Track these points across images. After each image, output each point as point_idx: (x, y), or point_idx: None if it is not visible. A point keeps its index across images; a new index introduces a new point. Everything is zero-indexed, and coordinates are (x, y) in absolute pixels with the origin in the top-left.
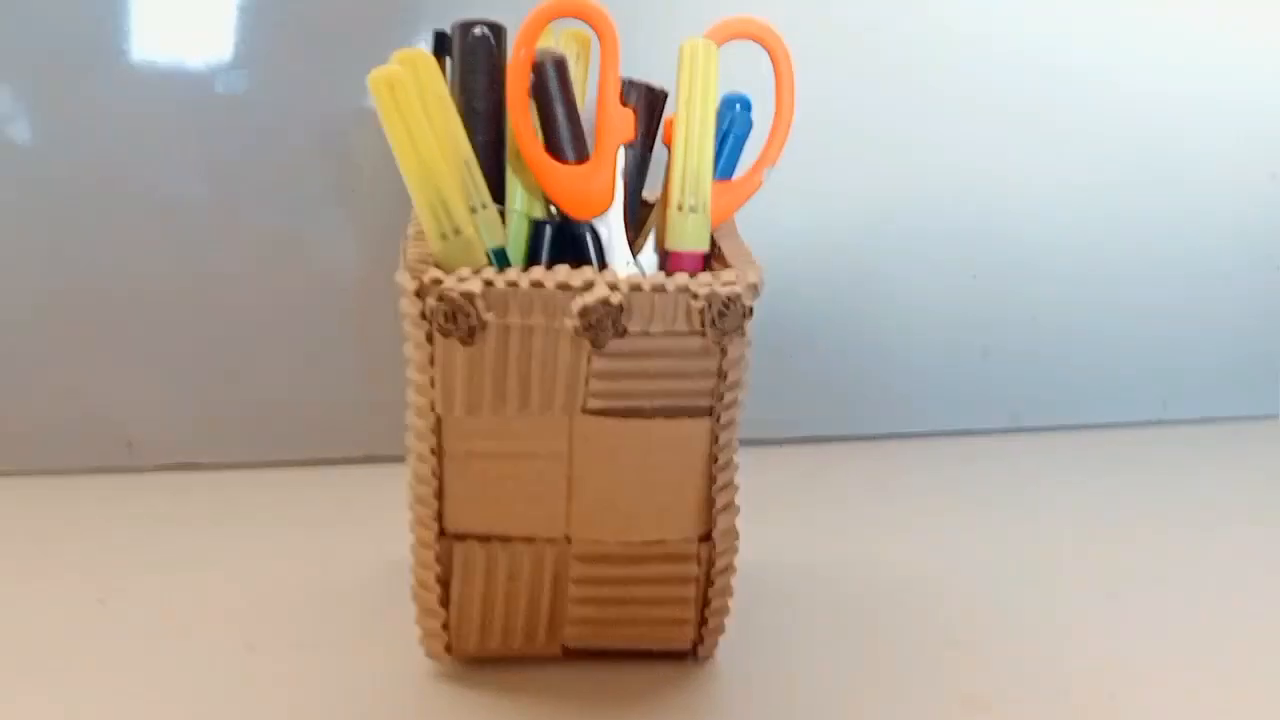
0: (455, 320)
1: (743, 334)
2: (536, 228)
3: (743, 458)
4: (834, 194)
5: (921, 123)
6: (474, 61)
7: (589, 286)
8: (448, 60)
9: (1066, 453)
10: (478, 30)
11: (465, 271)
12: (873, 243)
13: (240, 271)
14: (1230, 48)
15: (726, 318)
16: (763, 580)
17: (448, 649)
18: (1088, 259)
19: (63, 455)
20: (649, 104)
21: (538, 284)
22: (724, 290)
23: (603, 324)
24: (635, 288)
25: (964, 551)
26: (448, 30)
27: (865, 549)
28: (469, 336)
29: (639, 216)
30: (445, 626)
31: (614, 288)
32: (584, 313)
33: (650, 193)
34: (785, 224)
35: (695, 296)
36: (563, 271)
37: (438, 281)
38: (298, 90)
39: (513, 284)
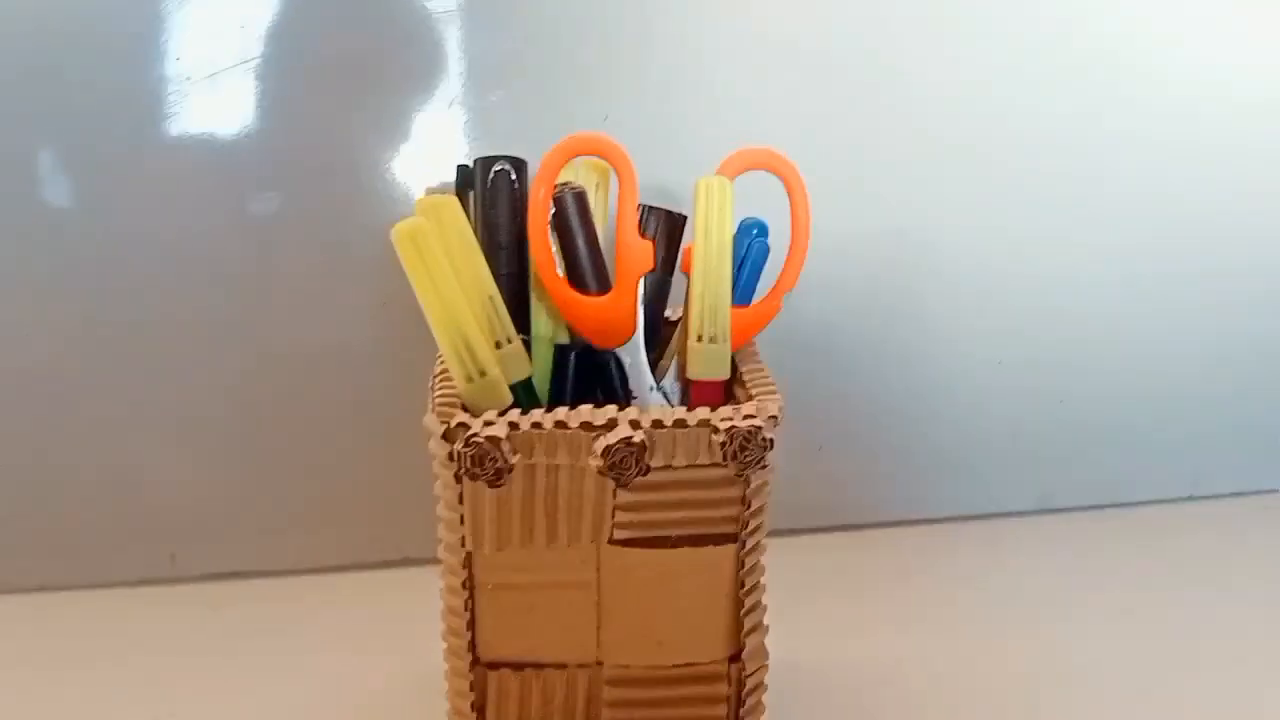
0: (482, 464)
1: (764, 465)
2: (560, 353)
3: (770, 548)
4: (862, 282)
5: (946, 213)
6: (496, 196)
7: (611, 426)
8: (471, 193)
9: (1095, 533)
10: (499, 166)
11: (491, 414)
12: (900, 331)
13: (276, 382)
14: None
15: (748, 451)
16: (792, 681)
17: None
18: (1114, 339)
19: (108, 568)
20: (668, 229)
21: (561, 424)
22: (745, 424)
23: (626, 463)
24: (657, 424)
25: (986, 653)
26: (471, 164)
27: (887, 648)
28: (496, 479)
29: (662, 335)
30: None
31: (636, 426)
32: (607, 453)
33: (673, 311)
34: (810, 313)
35: (717, 430)
36: (586, 411)
37: (464, 426)
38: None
39: (537, 425)
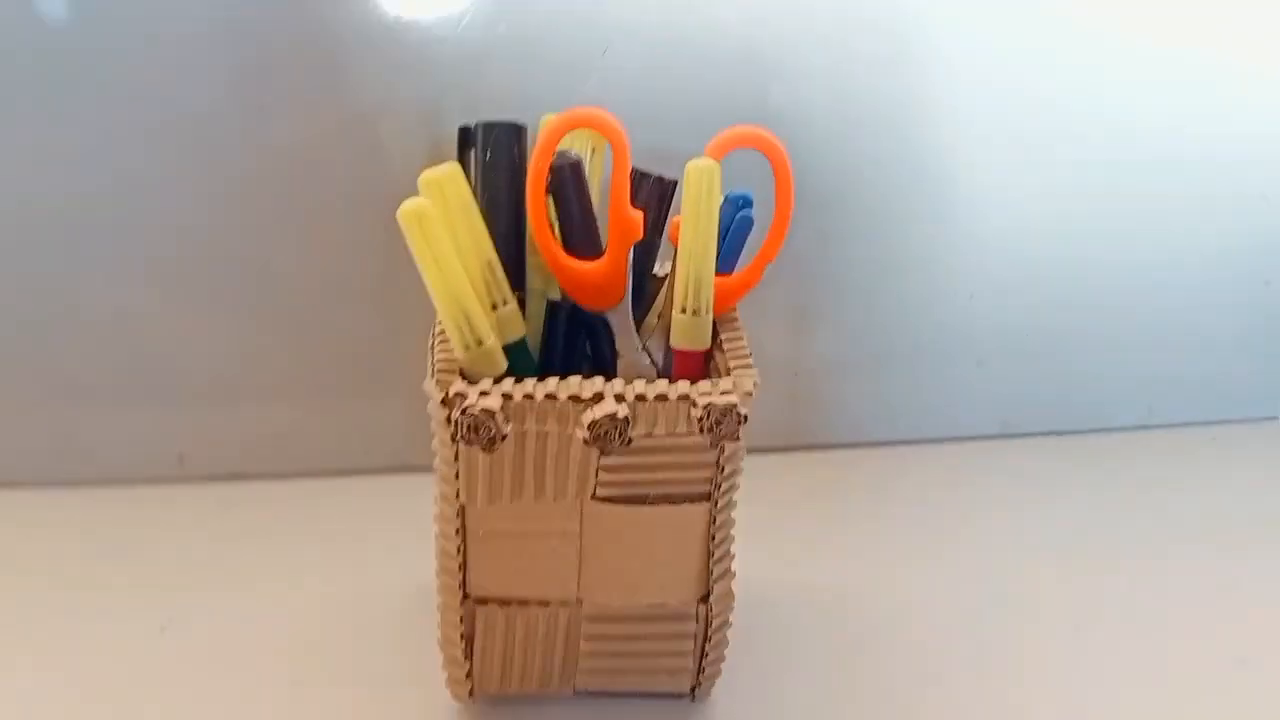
0: (477, 432)
1: (738, 438)
2: (552, 309)
3: (751, 465)
4: (839, 213)
5: (920, 141)
6: (497, 160)
7: (598, 399)
8: (472, 153)
9: (1054, 458)
10: (500, 130)
11: (487, 384)
12: (875, 264)
13: (285, 283)
14: (1218, 64)
15: (723, 425)
16: (757, 603)
17: (470, 693)
18: (1078, 271)
19: (119, 468)
20: (659, 194)
21: (551, 396)
22: (721, 401)
23: (610, 435)
24: (640, 398)
25: (952, 572)
26: (472, 127)
27: (856, 566)
28: (490, 445)
29: (649, 291)
30: (469, 675)
31: (620, 399)
32: (593, 425)
33: (660, 267)
34: (801, 257)
35: (695, 405)
36: (574, 383)
37: (462, 395)
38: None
39: (529, 397)
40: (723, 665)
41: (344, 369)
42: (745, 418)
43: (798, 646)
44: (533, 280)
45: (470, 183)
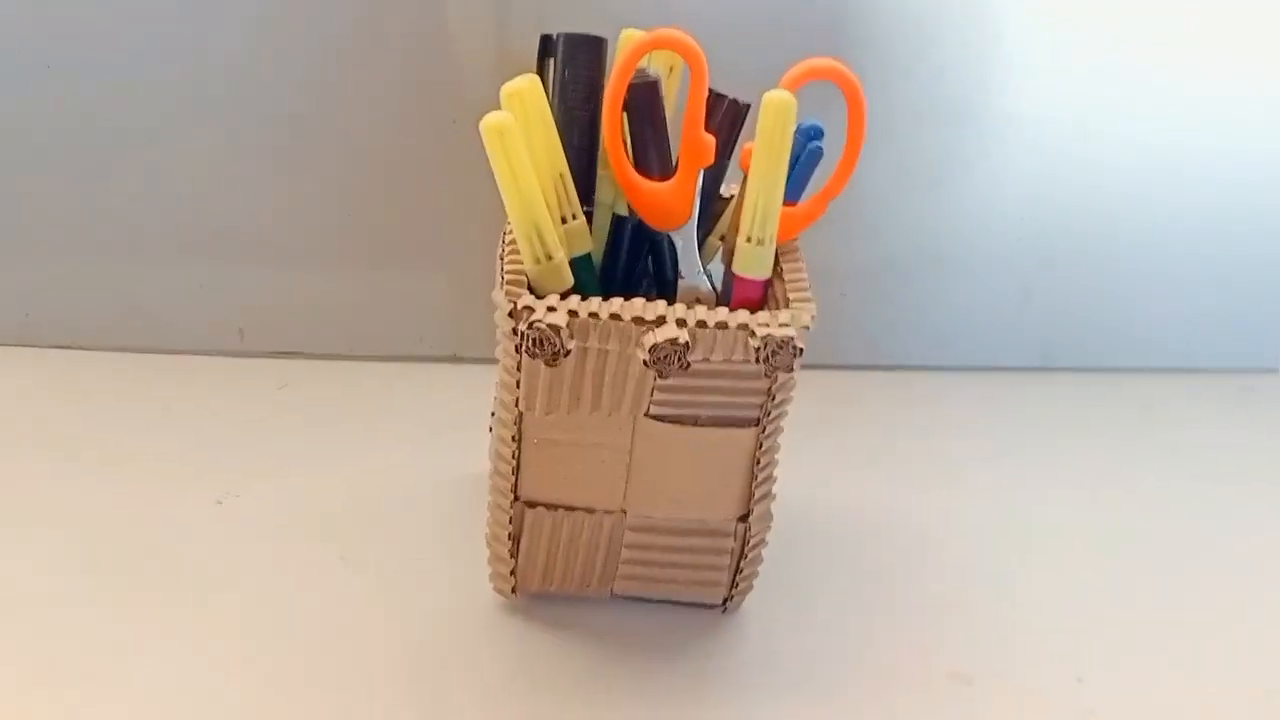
0: (542, 346)
1: (791, 370)
2: (618, 224)
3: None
4: (893, 149)
5: (976, 79)
6: (577, 72)
7: (660, 322)
8: (551, 62)
9: (1091, 392)
10: (581, 43)
11: (553, 299)
12: (928, 198)
13: (346, 173)
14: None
15: (779, 356)
16: (791, 520)
17: (513, 590)
18: (1126, 218)
19: (181, 339)
20: (732, 116)
21: (615, 316)
22: (779, 333)
23: (669, 359)
24: (701, 324)
25: (981, 500)
26: (553, 36)
27: (888, 488)
28: (553, 360)
29: (715, 209)
30: (513, 572)
31: (682, 324)
32: (654, 349)
33: (726, 188)
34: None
35: (753, 334)
36: (638, 304)
37: (530, 309)
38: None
39: (594, 315)
40: (755, 581)
41: (405, 252)
42: (801, 350)
43: (827, 564)
44: (601, 193)
45: (547, 93)
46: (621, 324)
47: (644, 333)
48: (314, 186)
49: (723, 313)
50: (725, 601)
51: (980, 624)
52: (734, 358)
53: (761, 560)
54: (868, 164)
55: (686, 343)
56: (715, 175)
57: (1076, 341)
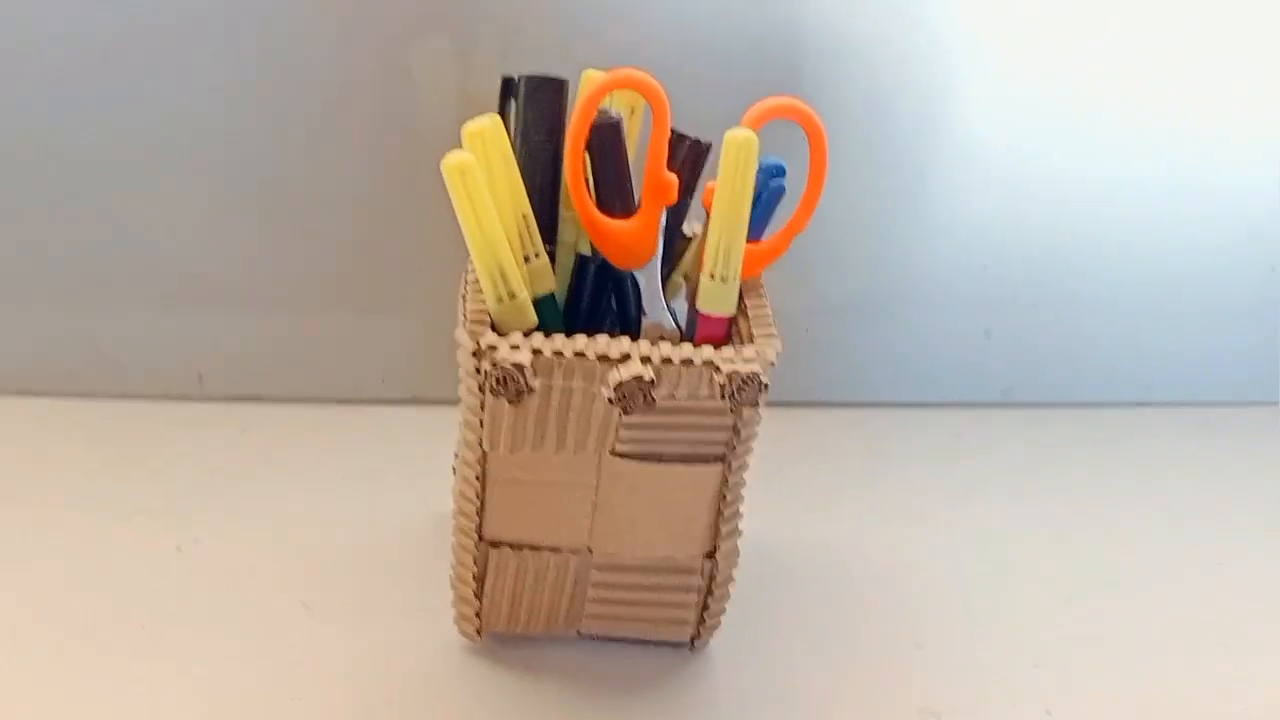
0: (506, 385)
1: (757, 405)
2: (582, 263)
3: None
4: (856, 186)
5: (939, 116)
6: (538, 113)
7: (625, 359)
8: (512, 104)
9: (1054, 429)
10: (543, 85)
11: (517, 338)
12: (892, 236)
13: (307, 216)
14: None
15: (745, 392)
16: (757, 559)
17: (478, 631)
18: (1090, 256)
19: (141, 384)
20: (694, 156)
21: (580, 354)
22: (745, 368)
23: (634, 396)
24: (666, 361)
25: (948, 536)
26: (515, 79)
27: (855, 525)
28: (516, 399)
29: (677, 249)
30: (478, 614)
31: (646, 361)
32: (619, 386)
33: (689, 227)
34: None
35: (718, 370)
36: (602, 342)
37: (493, 348)
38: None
39: (558, 353)
40: (722, 618)
41: (366, 295)
42: (766, 386)
43: (794, 603)
44: (564, 233)
45: (509, 134)
46: (586, 361)
47: (608, 370)
48: (274, 230)
49: (687, 349)
50: (693, 640)
51: (949, 660)
52: (699, 394)
53: (729, 597)
54: (830, 202)
55: (652, 380)
56: (678, 214)
57: (1038, 377)
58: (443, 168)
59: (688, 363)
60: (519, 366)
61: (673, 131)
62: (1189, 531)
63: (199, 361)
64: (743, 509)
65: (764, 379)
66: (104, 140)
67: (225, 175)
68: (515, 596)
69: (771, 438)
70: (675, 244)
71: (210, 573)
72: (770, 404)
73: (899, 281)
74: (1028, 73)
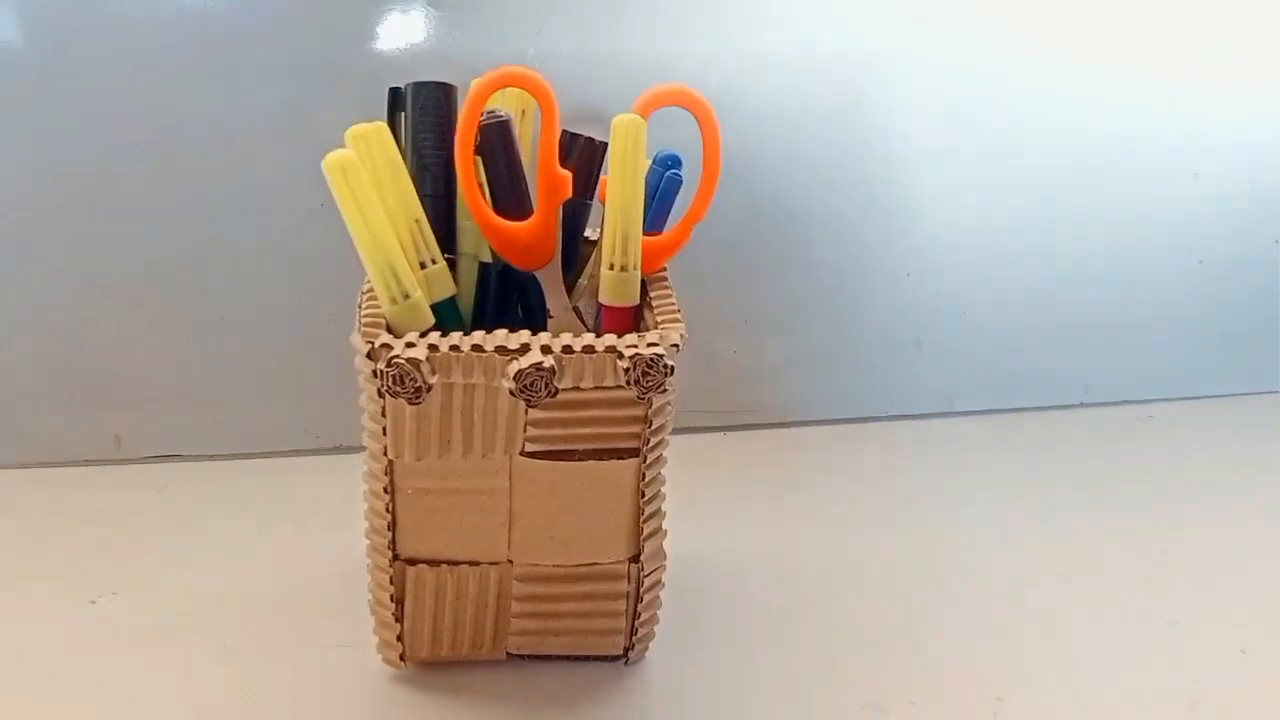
0: (403, 383)
1: (665, 390)
2: (483, 270)
3: (680, 444)
4: (780, 195)
5: (858, 121)
6: (425, 120)
7: (524, 350)
8: (402, 115)
9: (993, 435)
10: (429, 90)
11: (413, 336)
12: (816, 242)
13: (224, 271)
14: (1138, 59)
15: (650, 376)
16: (693, 573)
17: (401, 657)
18: (1015, 255)
19: (55, 448)
20: (589, 156)
21: (478, 348)
22: (648, 352)
23: (536, 385)
24: (567, 350)
25: (890, 545)
26: (402, 88)
27: (794, 539)
28: (415, 397)
29: (580, 254)
30: (400, 638)
31: (547, 351)
32: (519, 376)
33: (592, 231)
34: (730, 221)
35: (621, 356)
36: (500, 335)
37: (387, 347)
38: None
39: (455, 348)
40: (656, 629)
41: (284, 345)
42: (672, 369)
43: (732, 612)
44: (464, 243)
45: (400, 145)
46: (484, 355)
47: (508, 362)
48: (187, 286)
49: (589, 337)
50: (627, 652)
51: (894, 656)
52: (605, 383)
53: (660, 604)
54: (750, 221)
55: (552, 367)
56: (579, 217)
57: (974, 384)
58: (324, 165)
59: (589, 350)
60: (414, 362)
61: (566, 132)
62: (1129, 521)
63: (115, 422)
64: (664, 507)
65: (669, 362)
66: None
67: (133, 234)
68: (437, 618)
69: (707, 459)
70: (579, 249)
71: (126, 622)
72: (703, 428)
73: (824, 296)
74: (953, 84)
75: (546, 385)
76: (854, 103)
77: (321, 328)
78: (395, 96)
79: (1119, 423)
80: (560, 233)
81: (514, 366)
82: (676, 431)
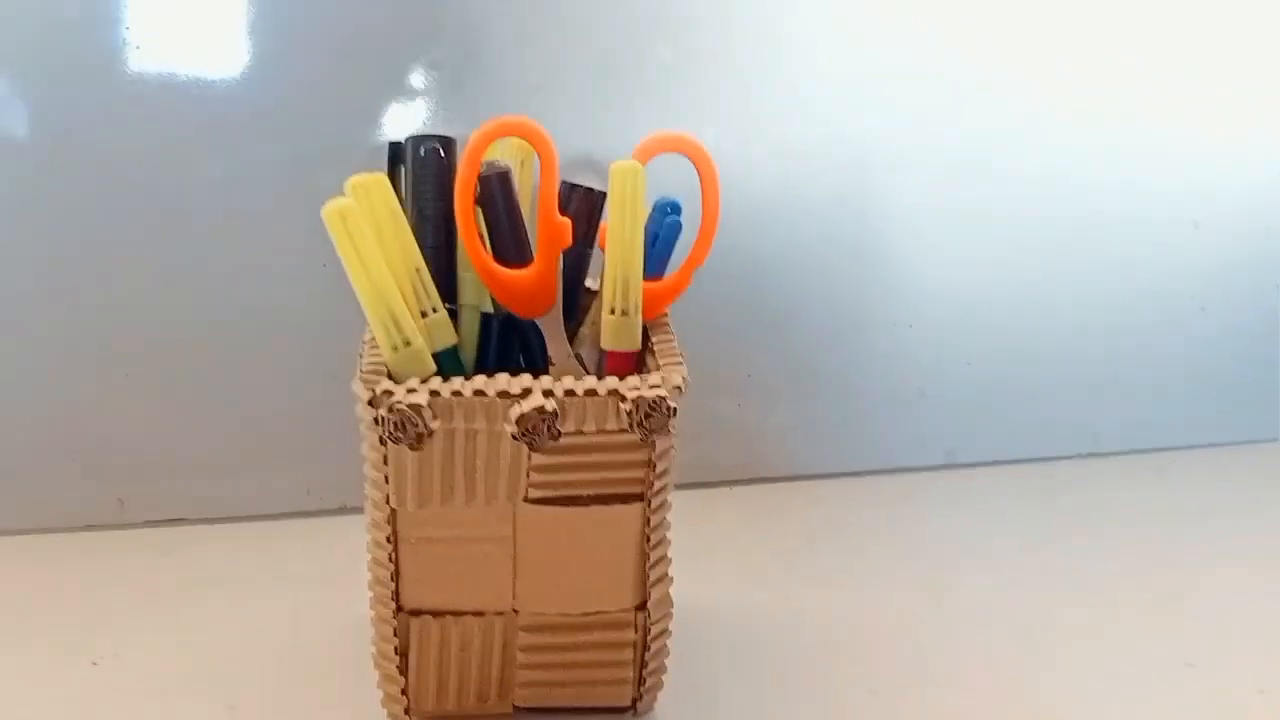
0: (404, 429)
1: (668, 432)
2: (485, 320)
3: (687, 500)
4: (776, 250)
5: (857, 176)
6: (425, 173)
7: (526, 394)
8: (402, 169)
9: (999, 487)
10: (428, 144)
11: (414, 382)
12: (813, 294)
13: (224, 333)
14: (1138, 102)
15: (653, 418)
16: (701, 625)
17: (407, 711)
18: (1019, 306)
19: (58, 514)
20: (588, 206)
21: (480, 393)
22: (650, 394)
23: (539, 429)
24: (569, 393)
25: (896, 597)
26: (402, 141)
27: (801, 591)
28: (417, 443)
29: (582, 304)
30: (404, 691)
31: (549, 395)
32: (521, 420)
33: (593, 281)
34: (728, 278)
35: (624, 399)
36: (502, 379)
37: (389, 393)
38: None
39: (457, 393)
40: (665, 679)
41: (286, 406)
42: (675, 410)
43: (742, 663)
44: (466, 294)
45: (401, 198)
46: (487, 399)
47: (510, 406)
48: (184, 347)
49: (591, 380)
50: (635, 703)
51: (904, 706)
52: (607, 426)
53: (667, 653)
54: (752, 275)
55: (554, 410)
56: (579, 265)
57: (977, 436)
58: (323, 214)
59: (592, 394)
60: (416, 407)
61: (565, 182)
62: (1139, 569)
63: (118, 486)
64: (670, 553)
65: (672, 403)
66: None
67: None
68: (442, 669)
69: (713, 513)
70: (580, 299)
71: (128, 684)
72: (709, 483)
73: (824, 350)
74: (951, 138)
75: (549, 429)
76: (855, 157)
77: (322, 389)
78: (395, 151)
79: (1127, 473)
80: (561, 281)
81: (516, 411)
82: (680, 487)
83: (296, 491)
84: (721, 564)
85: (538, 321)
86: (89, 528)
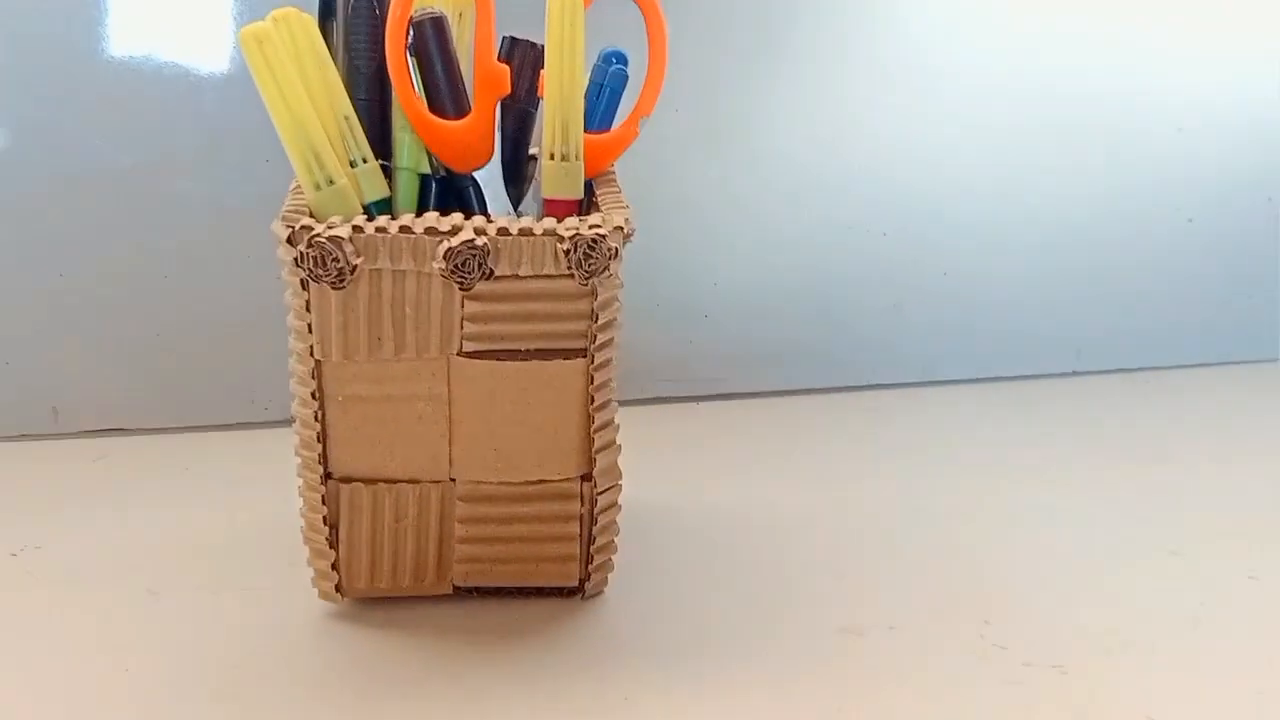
0: (325, 264)
1: (611, 275)
2: (423, 182)
3: (660, 414)
4: (754, 159)
5: (836, 87)
6: (357, 23)
7: (455, 231)
8: (334, 21)
9: (976, 404)
10: None
11: (336, 219)
12: (787, 204)
13: (163, 243)
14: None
15: (593, 259)
16: (663, 522)
17: (338, 589)
18: (998, 215)
19: None
20: (533, 60)
21: (406, 229)
22: (589, 233)
23: (469, 266)
24: (502, 231)
25: (863, 496)
26: None
27: (766, 494)
28: (339, 280)
29: (527, 172)
30: (335, 567)
31: (480, 232)
32: (449, 255)
33: (538, 148)
34: (703, 190)
35: (561, 239)
36: (431, 217)
37: (308, 229)
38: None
39: (381, 230)
40: (616, 560)
41: (236, 317)
42: (616, 251)
43: (699, 551)
44: (403, 158)
45: (331, 50)
46: (413, 237)
47: (439, 243)
48: (135, 249)
49: (527, 220)
50: (583, 584)
51: (872, 584)
52: (545, 270)
53: (617, 530)
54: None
55: (485, 245)
56: (522, 128)
57: (956, 353)
58: (239, 38)
59: (527, 233)
60: (336, 240)
61: (508, 37)
62: (1130, 470)
63: (52, 394)
64: (617, 419)
65: (613, 244)
66: None
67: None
68: (375, 544)
69: (681, 426)
70: (525, 167)
71: (45, 572)
72: (678, 398)
73: (798, 263)
74: (931, 44)
75: (480, 266)
76: (831, 58)
77: (274, 297)
78: (327, 4)
79: (1111, 389)
80: (500, 133)
81: (444, 246)
82: (647, 402)
83: (240, 403)
84: (691, 469)
85: (476, 176)
86: (23, 437)
